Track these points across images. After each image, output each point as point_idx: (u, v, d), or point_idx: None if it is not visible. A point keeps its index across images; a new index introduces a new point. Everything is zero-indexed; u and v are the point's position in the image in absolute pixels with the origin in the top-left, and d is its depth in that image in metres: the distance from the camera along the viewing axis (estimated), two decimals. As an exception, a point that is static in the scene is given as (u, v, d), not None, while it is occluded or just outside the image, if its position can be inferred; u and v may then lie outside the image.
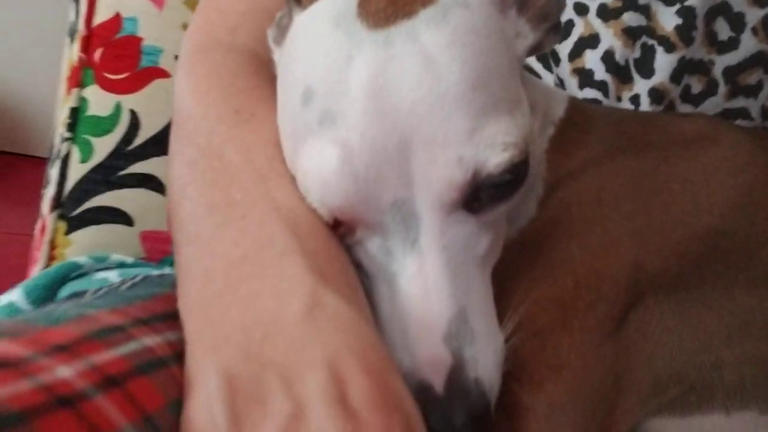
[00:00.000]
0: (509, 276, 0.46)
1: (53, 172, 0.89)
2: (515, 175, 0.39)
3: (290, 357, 0.31)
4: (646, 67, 0.63)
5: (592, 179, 0.48)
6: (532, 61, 0.66)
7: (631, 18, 0.62)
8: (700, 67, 0.63)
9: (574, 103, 0.54)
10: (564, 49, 0.64)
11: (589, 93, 0.64)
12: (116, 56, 0.89)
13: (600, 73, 0.63)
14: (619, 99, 0.64)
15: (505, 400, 0.44)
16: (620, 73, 0.63)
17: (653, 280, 0.47)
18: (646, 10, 0.62)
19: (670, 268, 0.47)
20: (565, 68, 0.65)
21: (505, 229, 0.46)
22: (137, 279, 0.55)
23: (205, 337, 0.34)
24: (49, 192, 0.89)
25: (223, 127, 0.44)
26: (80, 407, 0.27)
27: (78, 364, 0.29)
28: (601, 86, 0.64)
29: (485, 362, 0.39)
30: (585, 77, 0.64)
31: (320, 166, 0.39)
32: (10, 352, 0.28)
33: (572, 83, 0.65)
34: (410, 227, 0.39)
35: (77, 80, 0.90)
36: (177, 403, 0.32)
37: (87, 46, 0.89)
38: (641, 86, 0.63)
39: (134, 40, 0.89)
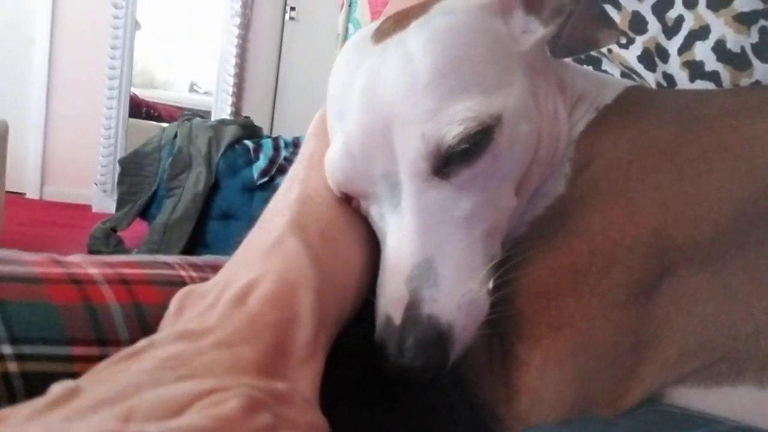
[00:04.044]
0: (532, 248, 0.49)
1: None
2: (475, 144, 0.44)
3: (240, 274, 0.41)
4: (766, 52, 0.58)
5: (624, 154, 0.49)
6: (635, 63, 0.65)
7: (743, 4, 0.59)
8: None
9: (630, 91, 0.54)
10: (673, 45, 0.63)
11: (701, 85, 0.61)
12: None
13: (711, 64, 0.61)
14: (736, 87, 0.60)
15: (506, 356, 0.47)
16: (735, 60, 0.60)
17: (683, 249, 0.45)
18: (761, -7, 0.59)
19: (702, 236, 0.45)
20: (674, 64, 0.63)
21: (520, 205, 0.50)
22: None
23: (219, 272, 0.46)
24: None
25: (310, 144, 0.56)
26: (84, 286, 0.41)
27: (107, 270, 0.44)
28: (713, 76, 0.61)
29: (445, 303, 0.43)
30: (695, 69, 0.61)
31: (331, 153, 0.49)
32: (69, 259, 0.43)
33: (682, 77, 0.62)
34: (395, 194, 0.46)
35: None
36: None
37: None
38: (761, 71, 0.59)
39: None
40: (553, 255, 0.48)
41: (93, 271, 0.42)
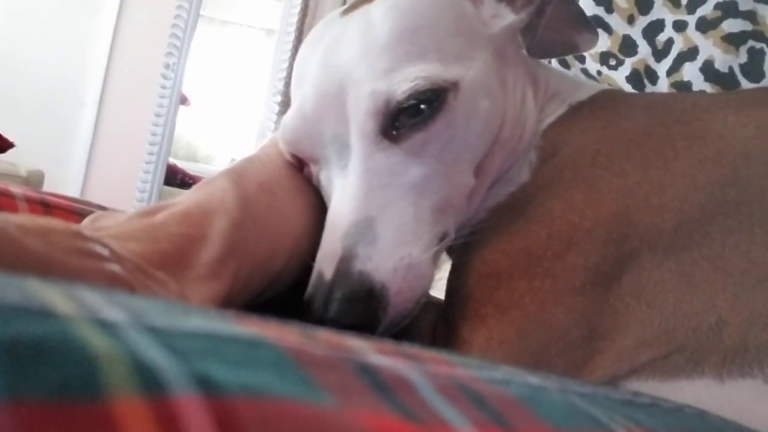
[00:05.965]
0: (489, 232, 0.47)
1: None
2: (424, 102, 0.44)
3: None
4: (755, 71, 0.57)
5: (591, 144, 0.47)
6: (623, 83, 0.64)
7: (731, 25, 0.58)
8: None
9: (606, 92, 0.53)
10: (662, 67, 0.62)
11: (688, 105, 0.60)
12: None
13: (699, 84, 0.59)
14: (724, 107, 0.58)
15: (449, 337, 0.44)
16: (723, 80, 0.58)
17: (646, 237, 0.42)
18: (750, 16, 0.58)
19: (666, 223, 0.42)
20: (662, 85, 0.62)
21: (480, 187, 0.49)
22: None
23: None
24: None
25: None
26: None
27: (32, 194, 0.43)
28: (700, 96, 0.59)
29: (380, 262, 0.41)
30: (683, 89, 0.60)
31: (286, 116, 0.49)
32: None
33: (669, 98, 0.61)
34: (343, 156, 0.46)
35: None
36: None
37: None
38: (749, 91, 0.57)
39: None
40: (509, 239, 0.46)
41: (16, 190, 0.42)
